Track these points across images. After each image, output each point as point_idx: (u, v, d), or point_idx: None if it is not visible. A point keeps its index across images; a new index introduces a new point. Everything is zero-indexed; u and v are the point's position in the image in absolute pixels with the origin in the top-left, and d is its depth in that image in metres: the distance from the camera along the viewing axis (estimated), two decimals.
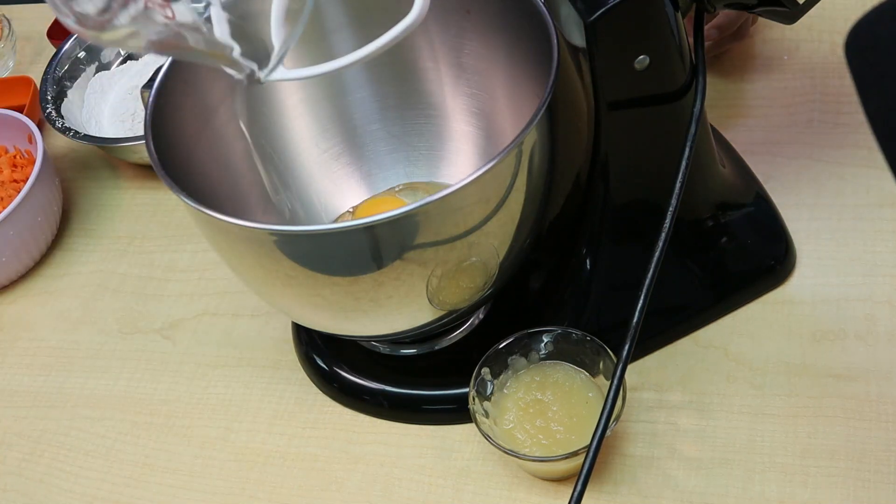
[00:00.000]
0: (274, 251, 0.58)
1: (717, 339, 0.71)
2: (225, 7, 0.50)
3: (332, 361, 0.75)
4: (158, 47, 0.45)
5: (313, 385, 0.75)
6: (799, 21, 0.61)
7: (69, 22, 0.43)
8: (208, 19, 0.50)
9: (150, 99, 0.64)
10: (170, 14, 0.45)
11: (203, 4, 0.49)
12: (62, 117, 0.94)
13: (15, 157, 0.93)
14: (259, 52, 0.51)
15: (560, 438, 0.63)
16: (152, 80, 0.65)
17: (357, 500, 0.68)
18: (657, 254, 0.57)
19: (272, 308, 0.76)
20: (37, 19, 1.16)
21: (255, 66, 0.50)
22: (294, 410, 0.74)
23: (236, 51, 0.50)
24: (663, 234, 0.57)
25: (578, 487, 0.54)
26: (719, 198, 0.72)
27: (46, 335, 0.85)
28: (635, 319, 0.57)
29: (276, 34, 0.52)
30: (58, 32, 1.06)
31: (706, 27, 0.79)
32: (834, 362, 0.68)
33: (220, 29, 0.50)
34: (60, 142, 1.01)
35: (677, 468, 0.65)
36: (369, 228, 0.55)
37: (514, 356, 0.66)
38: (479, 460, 0.68)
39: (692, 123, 0.60)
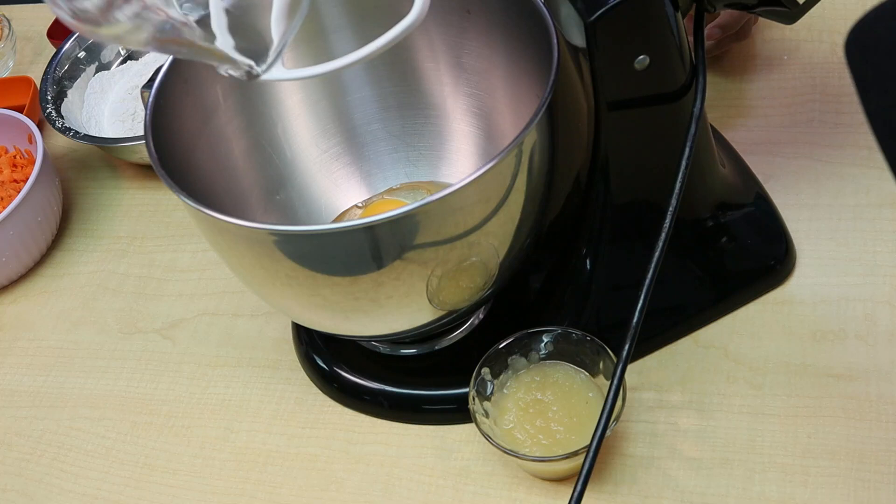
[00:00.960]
0: (274, 251, 0.58)
1: (717, 339, 0.71)
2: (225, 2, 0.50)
3: (332, 361, 0.75)
4: (156, 44, 0.45)
5: (313, 385, 0.75)
6: (799, 21, 0.61)
7: (66, 17, 0.43)
8: (206, 17, 0.50)
9: (150, 99, 0.64)
10: (165, 16, 0.45)
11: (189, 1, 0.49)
12: (62, 117, 0.94)
13: (15, 157, 0.93)
14: (257, 47, 0.51)
15: (560, 438, 0.63)
16: (152, 80, 0.65)
17: (357, 500, 0.68)
18: (657, 254, 0.57)
19: (272, 308, 0.76)
20: (37, 19, 1.16)
21: (252, 63, 0.50)
22: (294, 410, 0.74)
23: (233, 46, 0.50)
24: (663, 234, 0.57)
25: (578, 487, 0.54)
26: (719, 198, 0.72)
27: (46, 335, 0.85)
28: (635, 319, 0.57)
29: (276, 28, 0.52)
30: (58, 32, 1.06)
31: (709, 26, 0.79)
32: (834, 362, 0.68)
33: (218, 23, 0.50)
34: (60, 142, 1.01)
35: (677, 468, 0.65)
36: (369, 228, 0.55)
37: (514, 356, 0.66)
38: (479, 460, 0.68)
39: (692, 123, 0.60)
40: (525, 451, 0.63)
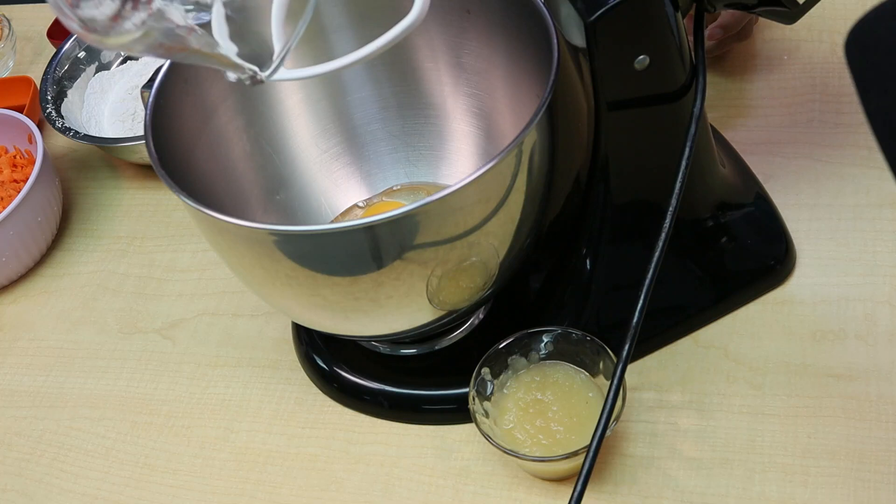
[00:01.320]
0: (274, 251, 0.58)
1: (717, 339, 0.71)
2: (226, 7, 0.50)
3: (332, 361, 0.75)
4: (162, 51, 0.45)
5: (313, 385, 0.75)
6: (799, 21, 0.61)
7: (74, 26, 0.43)
8: (207, 23, 0.50)
9: (150, 99, 0.64)
10: (171, 23, 0.45)
11: (193, 7, 0.49)
12: (62, 117, 0.94)
13: (15, 157, 0.93)
14: (259, 53, 0.51)
15: (560, 438, 0.63)
16: (152, 80, 0.65)
17: (357, 500, 0.68)
18: (657, 254, 0.57)
19: (272, 308, 0.76)
20: (37, 19, 1.16)
21: (256, 69, 0.50)
22: (294, 410, 0.74)
23: (236, 52, 0.50)
24: (663, 234, 0.57)
25: (578, 487, 0.54)
26: (719, 198, 0.72)
27: (47, 335, 0.85)
28: (635, 319, 0.57)
29: (276, 34, 0.52)
30: (58, 32, 1.06)
31: (711, 27, 0.79)
32: (834, 362, 0.68)
33: (220, 31, 0.51)
34: (60, 142, 1.01)
35: (677, 468, 0.65)
36: (369, 228, 0.55)
37: (514, 356, 0.66)
38: (479, 460, 0.68)
39: (692, 123, 0.60)
40: (525, 451, 0.63)
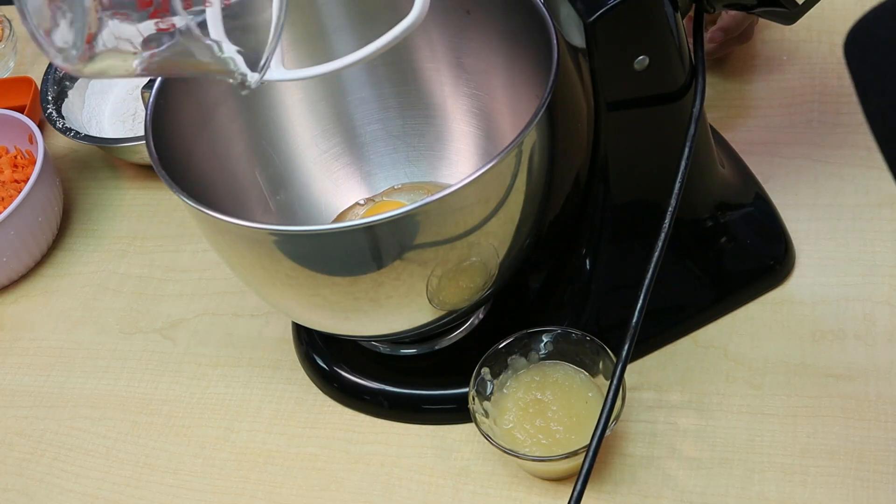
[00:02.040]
0: (274, 251, 0.58)
1: (717, 339, 0.71)
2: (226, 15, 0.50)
3: (332, 361, 0.75)
4: (148, 72, 0.45)
5: (313, 385, 0.75)
6: (798, 22, 0.61)
7: (58, 60, 0.43)
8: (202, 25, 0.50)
9: (151, 99, 0.64)
10: (163, 26, 0.45)
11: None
12: (63, 118, 0.94)
13: (16, 157, 0.93)
14: (254, 55, 0.51)
15: (560, 438, 0.63)
16: (153, 80, 0.65)
17: (357, 500, 0.68)
18: (657, 254, 0.57)
19: (272, 308, 0.76)
20: None
21: (246, 73, 0.50)
22: (294, 410, 0.74)
23: (236, 60, 0.50)
24: (663, 234, 0.57)
25: (578, 487, 0.54)
26: (719, 198, 0.72)
27: (47, 335, 0.85)
28: (635, 319, 0.57)
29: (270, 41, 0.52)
30: None
31: (712, 30, 0.79)
32: (833, 362, 0.68)
33: (219, 35, 0.50)
34: (61, 142, 1.01)
35: (677, 468, 0.65)
36: (369, 228, 0.55)
37: (513, 356, 0.66)
38: (479, 460, 0.68)
39: (692, 123, 0.60)
40: (525, 451, 0.63)
